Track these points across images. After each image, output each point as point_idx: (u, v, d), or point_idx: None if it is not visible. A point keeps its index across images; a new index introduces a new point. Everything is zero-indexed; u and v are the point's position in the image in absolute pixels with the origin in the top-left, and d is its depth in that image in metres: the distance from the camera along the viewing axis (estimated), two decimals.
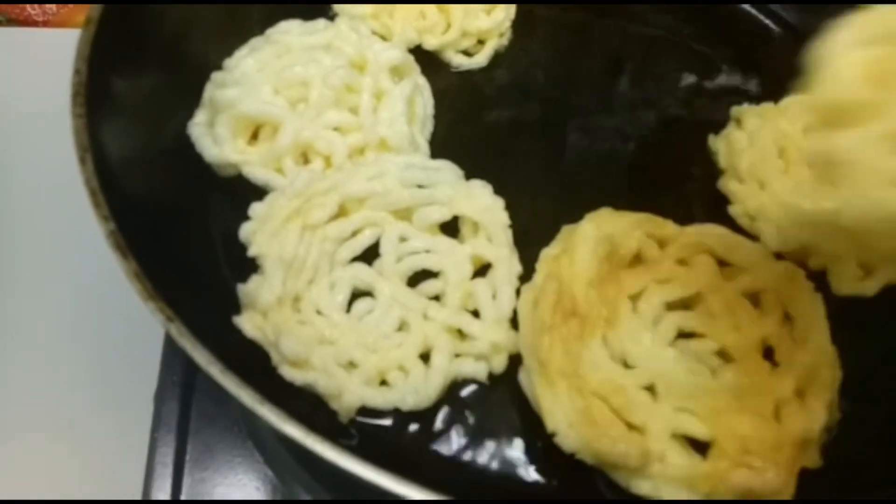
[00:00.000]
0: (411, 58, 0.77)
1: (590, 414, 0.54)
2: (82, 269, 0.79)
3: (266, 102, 0.68)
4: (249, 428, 0.74)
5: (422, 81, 0.77)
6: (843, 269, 0.65)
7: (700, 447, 0.56)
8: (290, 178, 0.65)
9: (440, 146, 0.75)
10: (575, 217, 0.66)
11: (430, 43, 0.81)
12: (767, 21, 0.90)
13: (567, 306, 0.59)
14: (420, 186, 0.65)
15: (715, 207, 0.73)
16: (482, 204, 0.65)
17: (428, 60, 0.81)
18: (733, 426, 0.54)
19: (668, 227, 0.65)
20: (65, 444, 0.74)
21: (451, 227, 0.67)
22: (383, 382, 0.60)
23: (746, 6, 0.91)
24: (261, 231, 0.60)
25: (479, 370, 0.60)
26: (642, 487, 0.54)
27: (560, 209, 0.68)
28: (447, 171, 0.66)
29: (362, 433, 0.59)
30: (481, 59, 0.83)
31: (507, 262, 0.64)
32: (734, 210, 0.71)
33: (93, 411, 0.75)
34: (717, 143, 0.76)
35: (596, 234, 0.63)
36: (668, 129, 0.80)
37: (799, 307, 0.60)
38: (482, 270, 0.65)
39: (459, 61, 0.83)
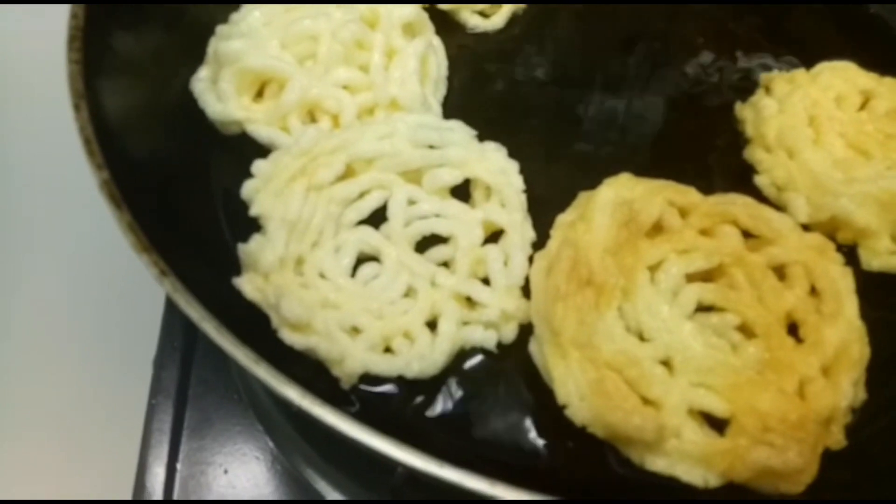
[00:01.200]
0: (425, 15, 0.73)
1: (603, 386, 0.52)
2: (82, 226, 0.77)
3: (272, 57, 0.65)
4: (249, 396, 0.72)
5: (436, 41, 0.74)
6: (875, 242, 0.61)
7: (718, 425, 0.53)
8: (296, 136, 0.63)
9: (453, 109, 0.71)
10: (593, 184, 0.63)
11: (446, 2, 0.77)
12: None
13: (582, 274, 0.56)
14: (431, 147, 0.62)
15: (740, 178, 0.69)
16: (496, 167, 0.62)
17: (443, 21, 0.78)
18: (753, 402, 0.51)
19: (691, 195, 0.62)
20: (60, 415, 0.73)
21: (462, 192, 0.64)
22: (388, 350, 0.57)
23: None
24: (264, 190, 0.58)
25: (489, 338, 0.58)
26: (657, 464, 0.51)
27: (577, 175, 0.65)
28: (460, 131, 0.63)
29: (364, 401, 0.57)
30: (498, 20, 0.79)
31: (520, 229, 0.61)
32: (760, 180, 0.67)
33: (90, 376, 0.73)
34: (744, 111, 0.72)
35: (614, 199, 0.60)
36: (692, 96, 0.76)
37: (827, 281, 0.57)
38: (494, 237, 0.62)
39: (475, 23, 0.79)
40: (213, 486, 0.70)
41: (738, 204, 0.61)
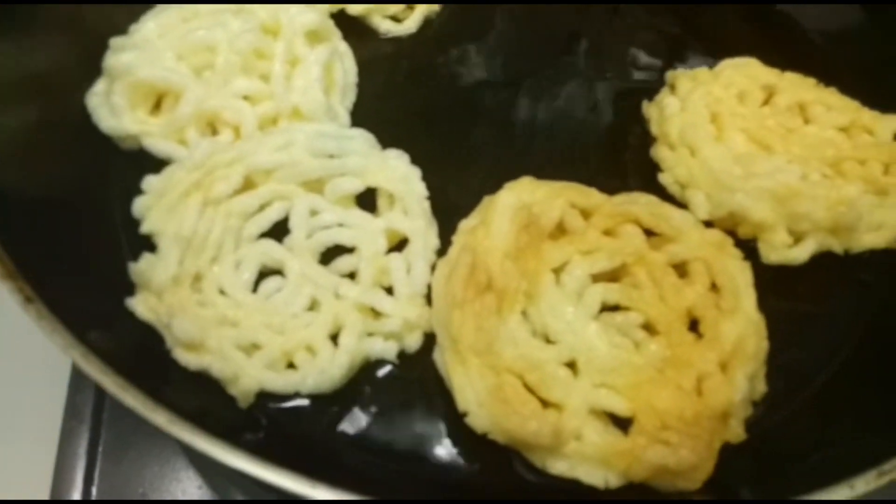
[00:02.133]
0: (330, 22, 0.72)
1: (501, 392, 0.51)
2: None
3: (166, 69, 0.63)
4: None
5: (343, 48, 0.73)
6: (773, 236, 0.62)
7: (624, 425, 0.53)
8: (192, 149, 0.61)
9: (363, 116, 0.70)
10: (500, 188, 0.62)
11: (355, 8, 0.76)
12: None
13: (481, 280, 0.55)
14: (331, 157, 0.60)
15: (650, 177, 0.69)
16: (397, 174, 0.61)
17: (353, 26, 0.76)
18: (652, 401, 0.51)
19: (592, 196, 0.62)
20: None
21: (368, 201, 0.63)
22: (290, 365, 0.56)
23: None
24: (156, 206, 0.56)
25: (388, 349, 0.57)
26: (558, 467, 0.51)
27: (489, 181, 0.64)
28: (360, 139, 0.62)
29: (273, 419, 0.55)
30: (410, 25, 0.79)
31: (422, 236, 0.60)
32: (664, 178, 0.67)
33: (2, 401, 0.70)
34: (650, 110, 0.72)
35: (514, 203, 0.59)
36: (604, 98, 0.76)
37: (726, 276, 0.57)
38: (400, 245, 0.61)
39: (387, 27, 0.78)
40: None
41: (639, 203, 0.61)
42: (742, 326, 0.55)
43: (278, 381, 0.54)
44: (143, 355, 0.52)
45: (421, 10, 0.79)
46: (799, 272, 0.62)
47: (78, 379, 0.69)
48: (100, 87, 0.65)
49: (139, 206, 0.57)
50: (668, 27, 0.82)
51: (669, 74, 0.73)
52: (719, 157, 0.64)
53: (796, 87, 0.69)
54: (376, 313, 0.58)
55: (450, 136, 0.72)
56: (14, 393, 0.70)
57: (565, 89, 0.77)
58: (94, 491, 0.66)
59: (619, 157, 0.72)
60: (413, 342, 0.58)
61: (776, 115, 0.67)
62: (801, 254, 0.61)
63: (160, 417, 0.43)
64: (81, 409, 0.67)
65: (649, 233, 0.61)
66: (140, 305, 0.53)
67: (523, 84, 0.77)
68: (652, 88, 0.75)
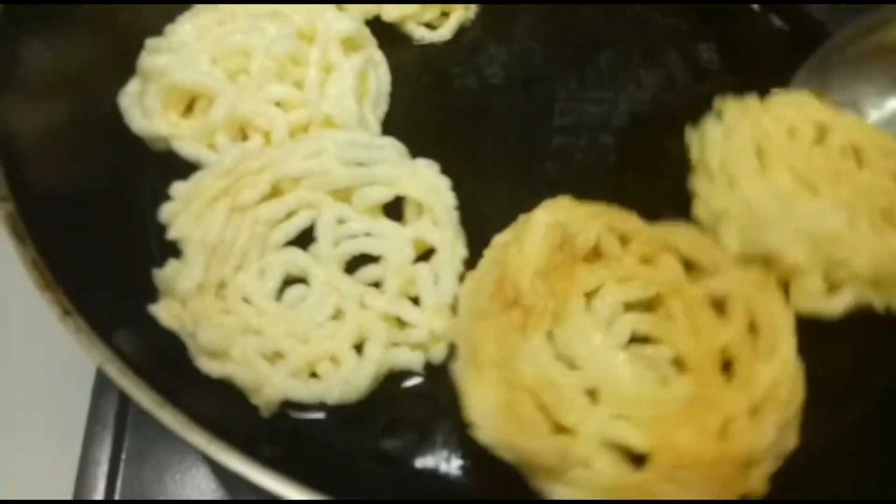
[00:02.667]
0: (366, 30, 0.71)
1: (514, 408, 0.50)
2: None
3: (200, 72, 0.63)
4: None
5: (378, 56, 0.72)
6: (807, 282, 0.57)
7: (638, 461, 0.50)
8: (222, 154, 0.61)
9: (395, 125, 0.69)
10: (536, 204, 0.59)
11: (390, 14, 0.75)
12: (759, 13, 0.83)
13: (509, 295, 0.54)
14: (360, 165, 0.60)
15: (683, 206, 0.65)
16: (427, 184, 0.60)
17: (388, 33, 0.75)
18: (672, 438, 0.49)
19: (631, 222, 0.59)
20: None
21: (395, 210, 0.62)
22: (313, 375, 0.55)
23: None
24: (184, 212, 0.56)
25: (415, 360, 0.56)
26: (558, 492, 0.49)
27: (520, 196, 0.62)
28: (390, 148, 0.61)
29: (293, 431, 0.55)
30: (445, 32, 0.77)
31: (451, 247, 0.59)
32: (697, 208, 0.63)
33: (26, 403, 0.71)
34: (692, 135, 0.68)
35: (549, 221, 0.57)
36: (645, 119, 0.74)
37: (766, 316, 0.54)
38: (427, 255, 0.60)
39: (421, 34, 0.77)
40: None
41: (681, 233, 0.59)
42: (778, 371, 0.52)
43: (303, 391, 0.53)
44: (168, 364, 0.52)
45: (456, 17, 0.77)
46: (833, 326, 0.58)
47: (102, 384, 0.69)
48: (133, 87, 0.65)
49: (166, 211, 0.57)
50: (699, 36, 0.79)
51: (718, 101, 0.68)
52: (759, 191, 0.60)
53: (852, 128, 0.64)
54: (402, 324, 0.57)
55: (480, 146, 0.71)
56: (39, 397, 0.71)
57: (600, 105, 0.74)
58: (115, 499, 0.65)
59: (651, 180, 0.69)
60: (438, 353, 0.57)
61: (827, 156, 0.62)
62: (836, 305, 0.57)
63: (198, 438, 0.43)
64: (105, 414, 0.67)
65: (687, 265, 0.58)
66: (163, 312, 0.53)
67: (558, 96, 0.74)
68: (689, 106, 0.70)
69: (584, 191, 0.61)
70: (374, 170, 0.59)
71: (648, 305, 0.57)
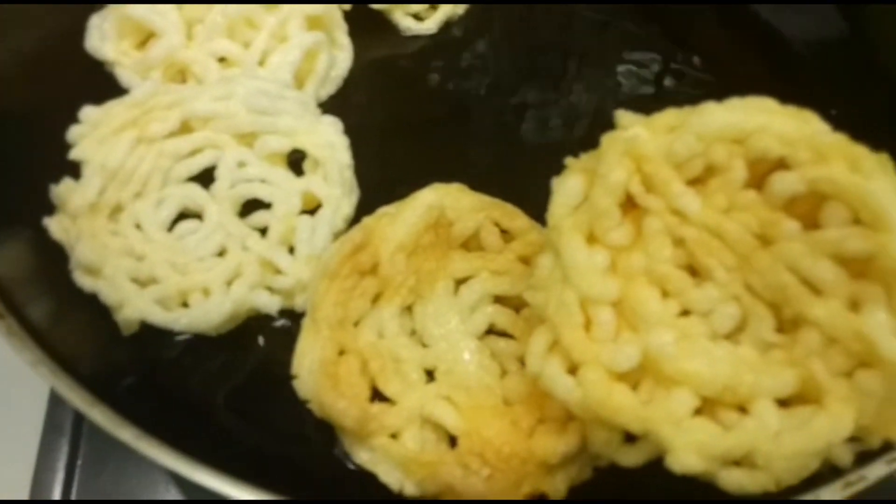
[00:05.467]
0: (338, 14, 0.71)
1: (335, 367, 0.49)
2: None
3: (152, 10, 0.64)
4: None
5: (344, 41, 0.72)
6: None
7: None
8: None
9: (337, 107, 0.68)
10: None
11: (378, 3, 0.74)
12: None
13: (362, 261, 0.53)
14: (266, 114, 0.60)
15: None
16: (323, 140, 0.59)
17: (376, 21, 0.75)
18: (482, 427, 0.48)
19: (518, 220, 0.57)
20: None
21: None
22: (185, 304, 0.57)
23: None
24: (90, 136, 0.58)
25: (272, 304, 0.56)
26: (360, 456, 0.49)
27: (436, 180, 0.59)
28: (294, 101, 0.61)
29: (155, 363, 0.56)
30: (431, 25, 0.76)
31: (335, 203, 0.58)
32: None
33: None
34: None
35: (431, 202, 0.56)
36: (585, 118, 0.71)
37: None
38: (317, 212, 0.60)
39: (408, 25, 0.75)
40: None
41: None
42: None
43: (158, 315, 0.55)
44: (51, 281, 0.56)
45: (444, 11, 0.76)
46: None
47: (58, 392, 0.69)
48: (104, 11, 0.67)
49: (73, 133, 0.59)
50: (655, 39, 0.75)
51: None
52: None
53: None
54: (277, 270, 0.58)
55: (423, 139, 0.70)
56: None
57: (559, 109, 0.72)
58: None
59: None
60: (302, 302, 0.57)
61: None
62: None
63: (126, 434, 0.44)
64: (61, 422, 0.67)
65: None
66: (54, 225, 0.56)
67: (526, 95, 0.73)
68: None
69: (510, 191, 0.60)
70: (276, 119, 0.60)
71: (514, 303, 0.55)
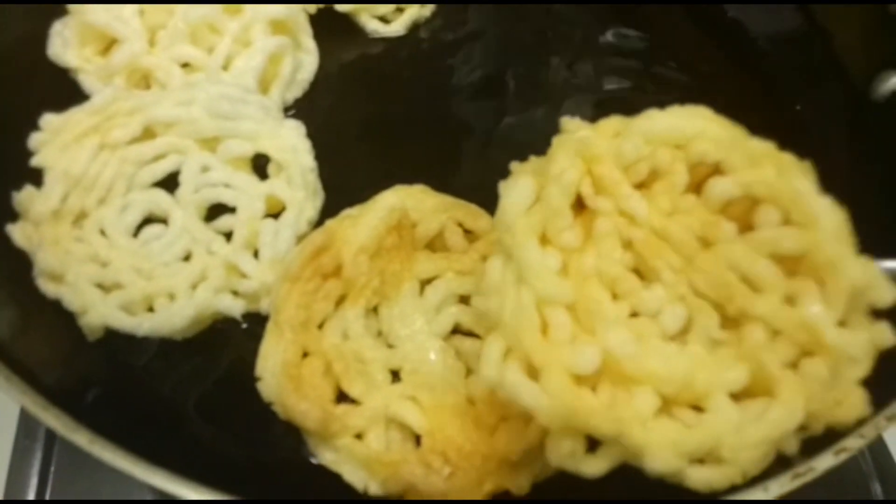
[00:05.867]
0: (302, 17, 0.71)
1: (298, 369, 0.50)
2: None
3: (113, 17, 0.64)
4: None
5: (310, 45, 0.72)
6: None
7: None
8: None
9: (302, 111, 0.69)
10: None
11: (343, 5, 0.74)
12: None
13: (325, 264, 0.53)
14: (228, 119, 0.60)
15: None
16: (286, 144, 0.59)
17: (342, 23, 0.75)
18: (445, 426, 0.48)
19: (481, 220, 0.58)
20: None
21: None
22: (150, 309, 0.57)
23: None
24: (51, 143, 0.58)
25: (236, 307, 0.56)
26: (325, 457, 0.49)
27: (398, 182, 0.60)
28: (256, 105, 0.61)
29: (126, 372, 0.56)
30: (398, 27, 0.76)
31: (298, 206, 0.58)
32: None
33: None
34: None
35: (393, 204, 0.56)
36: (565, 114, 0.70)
37: None
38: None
39: (374, 27, 0.75)
40: None
41: None
42: None
43: (121, 320, 0.54)
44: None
45: (410, 13, 0.76)
46: None
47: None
48: (66, 18, 0.67)
49: (34, 140, 0.58)
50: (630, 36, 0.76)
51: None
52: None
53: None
54: (242, 274, 0.58)
55: (389, 141, 0.70)
56: None
57: (521, 109, 0.73)
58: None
59: None
60: (267, 306, 0.56)
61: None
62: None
63: (80, 437, 0.44)
64: (34, 427, 0.67)
65: None
66: (17, 232, 0.56)
67: (491, 100, 0.73)
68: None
69: (469, 189, 0.60)
70: (238, 124, 0.60)
71: None
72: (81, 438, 0.43)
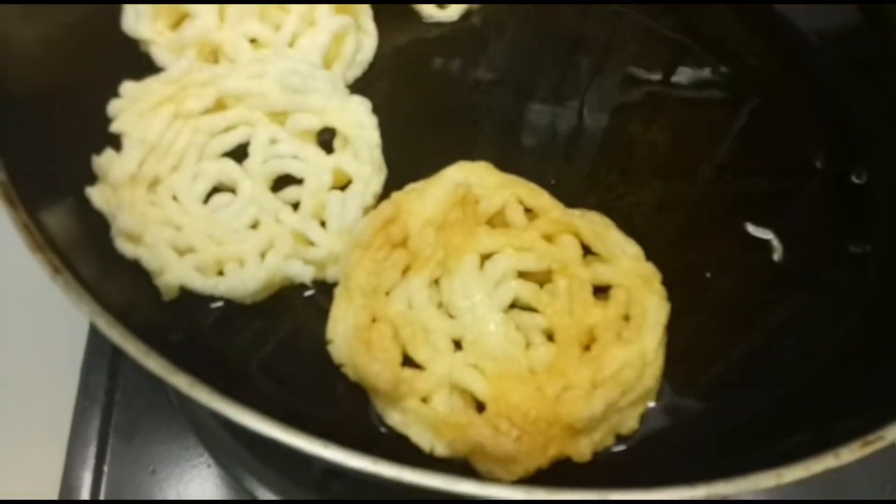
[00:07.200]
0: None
1: (367, 332, 0.51)
2: None
3: None
4: (179, 398, 0.70)
5: (369, 26, 0.72)
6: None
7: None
8: None
9: (363, 89, 0.69)
10: None
11: None
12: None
13: (393, 234, 0.55)
14: (297, 93, 0.61)
15: (615, 196, 0.66)
16: (353, 119, 0.61)
17: (399, 7, 0.76)
18: (509, 393, 0.49)
19: (542, 198, 0.59)
20: None
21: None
22: (220, 273, 0.58)
23: None
24: (129, 110, 0.59)
25: (305, 273, 0.57)
26: (392, 418, 0.51)
27: (459, 158, 0.61)
28: (324, 80, 0.62)
29: (196, 329, 0.57)
30: (452, 13, 0.76)
31: (365, 179, 0.60)
32: None
33: (14, 380, 0.72)
34: None
35: (458, 179, 0.58)
36: (600, 107, 0.73)
37: (640, 309, 0.54)
38: (347, 188, 0.61)
39: (429, 12, 0.76)
40: (141, 486, 0.68)
41: (586, 220, 0.58)
42: (630, 357, 0.51)
43: (197, 281, 0.56)
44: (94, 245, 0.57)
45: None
46: None
47: (91, 361, 0.72)
48: None
49: (113, 107, 0.60)
50: (669, 32, 0.77)
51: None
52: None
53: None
54: (308, 242, 0.59)
55: (445, 123, 0.71)
56: (29, 374, 0.72)
57: (586, 100, 0.73)
58: (105, 469, 0.68)
59: (595, 172, 0.68)
60: (334, 274, 0.58)
61: None
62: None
63: (180, 380, 0.45)
64: (94, 390, 0.70)
65: (587, 250, 0.58)
66: (96, 194, 0.57)
67: (544, 89, 0.74)
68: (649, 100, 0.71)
69: (530, 174, 0.61)
70: (307, 98, 0.61)
71: (538, 278, 0.57)
72: (181, 381, 0.44)
